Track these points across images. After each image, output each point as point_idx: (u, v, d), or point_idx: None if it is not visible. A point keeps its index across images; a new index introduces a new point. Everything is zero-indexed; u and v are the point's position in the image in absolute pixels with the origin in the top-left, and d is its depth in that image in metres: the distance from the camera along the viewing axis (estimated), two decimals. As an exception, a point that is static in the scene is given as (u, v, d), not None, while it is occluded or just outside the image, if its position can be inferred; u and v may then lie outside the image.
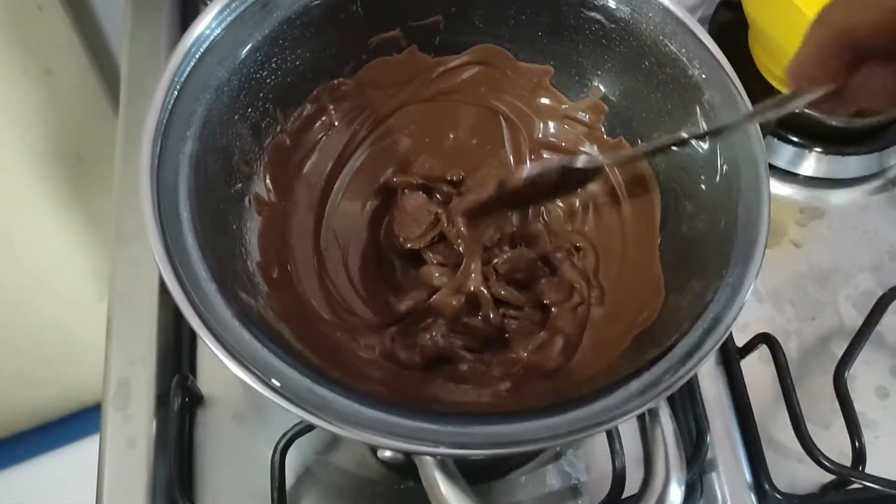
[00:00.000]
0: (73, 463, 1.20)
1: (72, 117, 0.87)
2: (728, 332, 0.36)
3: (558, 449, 0.52)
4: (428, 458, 0.34)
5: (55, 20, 0.77)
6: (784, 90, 0.62)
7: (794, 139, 0.62)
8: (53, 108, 0.84)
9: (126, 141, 0.58)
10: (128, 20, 0.64)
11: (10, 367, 1.09)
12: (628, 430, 0.49)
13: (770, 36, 0.56)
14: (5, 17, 0.73)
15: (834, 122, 0.60)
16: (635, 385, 0.35)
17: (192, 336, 0.54)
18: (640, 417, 0.37)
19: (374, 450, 0.48)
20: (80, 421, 1.23)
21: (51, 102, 0.83)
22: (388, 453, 0.36)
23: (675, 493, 0.35)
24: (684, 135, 0.42)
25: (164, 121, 0.38)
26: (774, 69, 0.61)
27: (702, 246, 0.40)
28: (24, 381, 1.13)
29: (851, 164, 0.62)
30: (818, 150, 0.62)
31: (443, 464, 0.34)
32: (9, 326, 1.03)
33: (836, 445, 0.52)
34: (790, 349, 0.56)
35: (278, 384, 0.33)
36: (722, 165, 0.41)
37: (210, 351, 0.51)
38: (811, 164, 0.62)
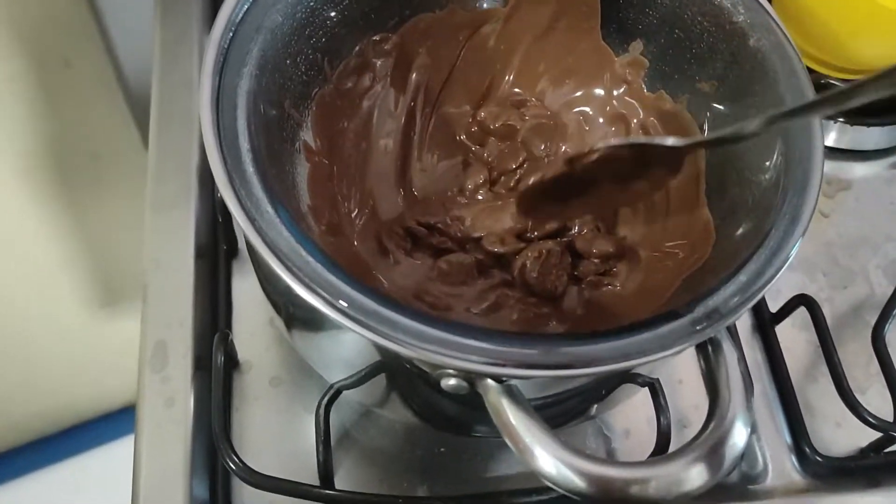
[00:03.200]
0: (74, 476, 1.18)
1: (88, 113, 0.86)
2: (790, 260, 0.36)
3: (593, 411, 0.51)
4: (493, 384, 0.34)
5: (74, 9, 0.77)
6: (810, 63, 0.62)
7: (819, 111, 0.62)
8: (71, 104, 0.84)
9: (159, 112, 0.58)
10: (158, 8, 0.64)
11: (9, 380, 1.08)
12: (667, 392, 0.49)
13: (804, 4, 0.57)
14: (24, 3, 0.72)
15: (859, 94, 0.61)
16: (700, 310, 0.35)
17: (228, 302, 0.53)
18: (703, 349, 0.37)
19: (421, 407, 0.47)
20: (80, 434, 1.21)
21: (68, 97, 0.83)
22: (452, 381, 0.35)
23: (741, 434, 0.34)
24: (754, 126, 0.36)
25: (222, 58, 0.38)
26: (801, 42, 0.62)
27: (752, 184, 0.41)
28: (23, 393, 1.12)
29: (875, 136, 0.63)
30: (841, 120, 0.62)
31: (508, 389, 0.34)
32: (8, 337, 1.02)
33: (874, 409, 0.52)
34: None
35: (346, 305, 0.33)
36: (771, 104, 0.41)
37: (246, 315, 0.53)
38: (833, 134, 0.63)
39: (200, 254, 0.53)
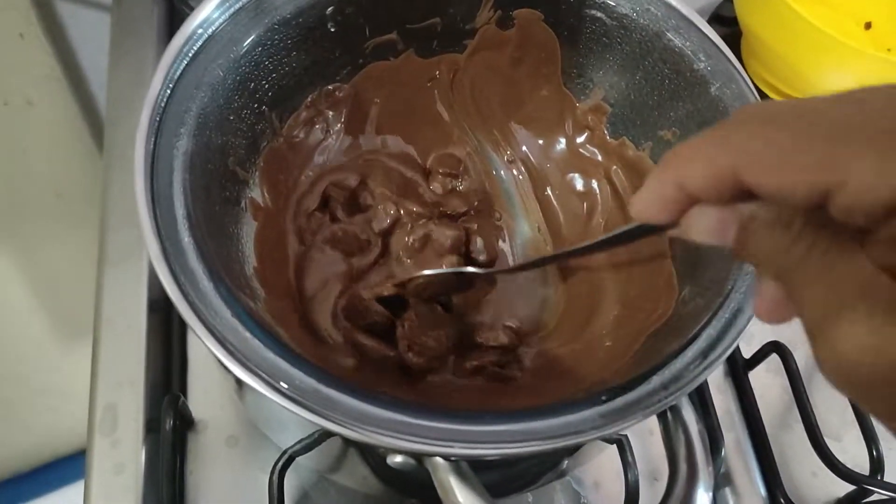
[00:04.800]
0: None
1: (52, 152, 0.85)
2: (748, 323, 0.35)
3: (565, 465, 0.50)
4: (441, 461, 0.32)
5: (37, 49, 0.75)
6: (776, 97, 0.61)
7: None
8: (35, 142, 0.82)
9: (111, 161, 0.56)
10: (112, 45, 0.62)
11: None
12: (636, 446, 0.48)
13: (767, 44, 0.56)
14: (-15, 44, 0.71)
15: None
16: (657, 380, 0.34)
17: (182, 359, 0.51)
18: (662, 417, 0.35)
19: (377, 467, 0.46)
20: (57, 470, 1.19)
21: (32, 136, 0.81)
22: (398, 458, 0.34)
23: (703, 499, 0.34)
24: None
25: (158, 117, 0.36)
26: (770, 79, 0.61)
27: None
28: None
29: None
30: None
31: (457, 467, 0.32)
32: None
33: (850, 458, 0.51)
34: (798, 360, 0.55)
35: (286, 386, 0.31)
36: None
37: (201, 373, 0.51)
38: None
39: (154, 308, 0.51)
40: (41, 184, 0.85)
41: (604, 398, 0.33)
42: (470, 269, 0.46)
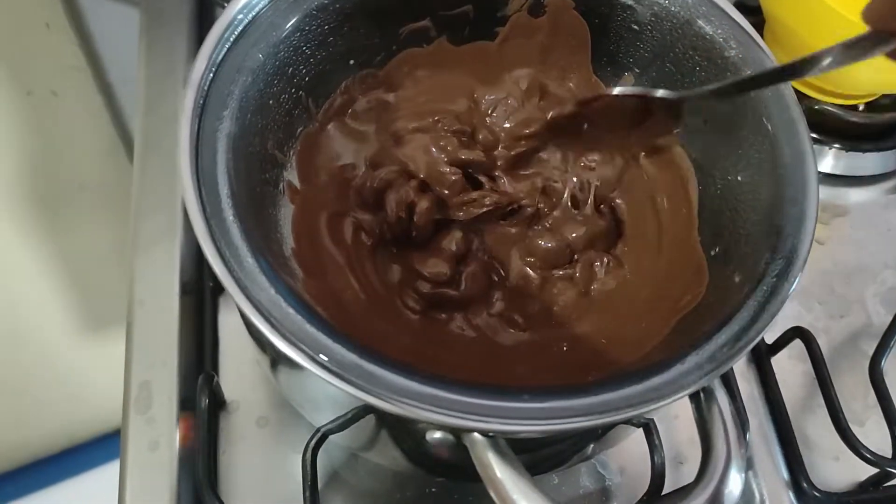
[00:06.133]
0: (69, 499, 1.17)
1: (76, 142, 0.85)
2: (783, 305, 0.35)
3: (590, 450, 0.51)
4: (479, 437, 0.33)
5: (63, 39, 0.76)
6: (800, 86, 0.62)
7: (813, 135, 0.61)
8: (58, 134, 0.83)
9: (143, 148, 0.57)
10: (142, 34, 0.63)
11: (8, 402, 1.07)
12: (662, 428, 0.48)
13: (791, 31, 0.57)
14: (12, 34, 0.72)
15: (853, 119, 0.61)
16: (692, 360, 0.34)
17: (214, 340, 0.52)
18: (695, 398, 0.36)
19: (409, 449, 0.46)
20: (73, 457, 1.21)
21: (56, 126, 0.82)
22: (437, 434, 0.34)
23: (735, 481, 0.34)
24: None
25: (202, 100, 0.37)
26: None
27: (747, 225, 0.40)
28: (15, 417, 1.11)
29: (870, 161, 0.62)
30: (837, 146, 0.62)
31: (495, 443, 0.33)
32: (4, 360, 1.01)
33: (872, 442, 0.51)
34: (820, 346, 0.56)
35: (326, 359, 0.32)
36: (762, 141, 0.40)
37: (232, 354, 0.52)
38: (829, 160, 0.62)
39: (186, 291, 0.52)
40: (65, 174, 0.86)
41: (640, 378, 0.33)
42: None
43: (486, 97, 0.50)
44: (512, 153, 0.48)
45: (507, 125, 0.49)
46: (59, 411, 1.13)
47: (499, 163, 0.48)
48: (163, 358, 0.49)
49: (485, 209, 0.46)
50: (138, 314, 0.51)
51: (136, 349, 0.50)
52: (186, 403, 0.48)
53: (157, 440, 0.47)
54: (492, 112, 0.49)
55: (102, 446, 1.19)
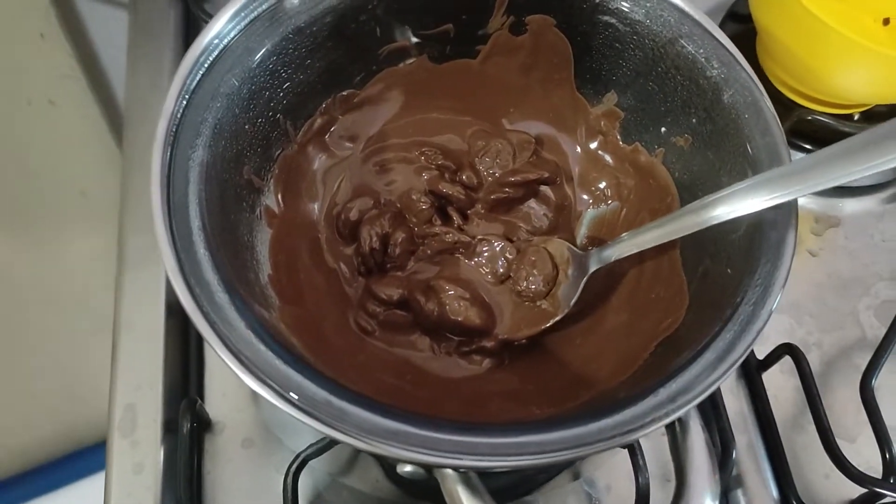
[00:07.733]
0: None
1: (75, 151, 0.86)
2: (759, 334, 0.35)
3: (576, 468, 0.50)
4: (450, 472, 0.33)
5: (57, 49, 0.76)
6: (793, 96, 0.61)
7: (807, 146, 0.61)
8: (57, 141, 0.83)
9: (130, 165, 0.57)
10: (130, 48, 0.63)
11: (8, 407, 1.08)
12: (649, 447, 0.48)
13: (782, 42, 0.56)
14: (7, 44, 0.72)
15: (846, 129, 0.60)
16: (664, 392, 0.34)
17: (200, 361, 0.52)
18: (670, 428, 0.36)
19: (389, 470, 0.46)
20: (80, 460, 1.21)
21: (54, 135, 0.82)
22: (408, 468, 0.34)
23: None
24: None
25: (174, 129, 0.37)
26: (785, 78, 0.60)
27: (727, 248, 0.39)
28: (22, 420, 1.11)
29: (864, 172, 0.61)
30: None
31: (466, 478, 0.33)
32: (6, 365, 1.01)
33: (863, 460, 0.51)
34: (812, 362, 0.55)
35: (296, 397, 0.32)
36: (742, 163, 0.40)
37: (218, 375, 0.52)
38: (823, 172, 0.61)
39: (172, 312, 0.52)
40: (64, 182, 0.86)
41: (612, 410, 0.33)
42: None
43: (479, 142, 0.50)
44: (491, 198, 0.48)
45: (495, 172, 0.49)
46: (61, 416, 1.14)
47: (477, 205, 0.48)
48: (148, 380, 0.49)
49: (444, 246, 0.46)
50: (123, 336, 0.51)
51: (120, 371, 0.50)
52: (171, 425, 0.49)
53: (142, 462, 0.47)
54: (482, 155, 0.49)
55: (90, 456, 1.20)
